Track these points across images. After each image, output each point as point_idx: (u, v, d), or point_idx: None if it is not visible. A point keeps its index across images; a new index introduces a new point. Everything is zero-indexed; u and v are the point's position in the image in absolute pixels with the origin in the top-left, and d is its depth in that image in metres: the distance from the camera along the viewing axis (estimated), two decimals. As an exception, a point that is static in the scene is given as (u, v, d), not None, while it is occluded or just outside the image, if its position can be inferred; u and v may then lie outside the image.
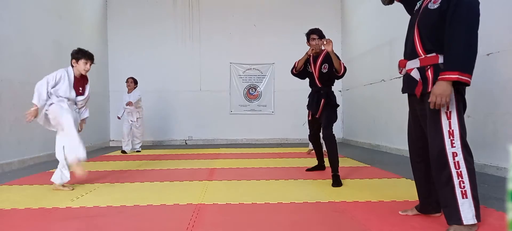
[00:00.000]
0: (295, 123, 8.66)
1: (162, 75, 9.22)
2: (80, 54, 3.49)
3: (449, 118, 1.99)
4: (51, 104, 3.45)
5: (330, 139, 3.65)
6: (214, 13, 9.43)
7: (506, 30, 3.90)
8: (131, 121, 6.91)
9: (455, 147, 1.97)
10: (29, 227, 2.30)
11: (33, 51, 5.66)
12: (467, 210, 1.97)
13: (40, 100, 3.42)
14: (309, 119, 4.07)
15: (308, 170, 4.34)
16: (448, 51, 1.94)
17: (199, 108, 9.38)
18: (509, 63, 3.88)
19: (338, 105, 3.89)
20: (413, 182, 3.62)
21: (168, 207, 2.74)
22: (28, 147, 5.40)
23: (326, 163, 4.04)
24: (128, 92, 6.92)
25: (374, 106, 7.45)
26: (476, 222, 1.99)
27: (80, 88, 3.56)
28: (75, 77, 3.51)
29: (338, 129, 9.68)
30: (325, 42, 3.57)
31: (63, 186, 3.43)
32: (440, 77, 1.93)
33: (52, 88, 3.43)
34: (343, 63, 3.69)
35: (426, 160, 2.19)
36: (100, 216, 2.53)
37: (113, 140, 8.96)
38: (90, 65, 3.55)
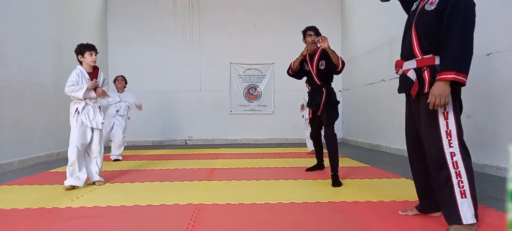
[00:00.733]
0: (295, 123, 8.65)
1: (162, 75, 9.22)
2: (83, 48, 3.57)
3: (446, 118, 2.00)
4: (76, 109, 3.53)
5: (331, 137, 3.65)
6: (214, 13, 9.43)
7: (506, 30, 3.90)
8: (120, 116, 5.85)
9: (453, 146, 1.99)
10: (29, 227, 2.30)
11: (33, 51, 5.66)
12: (466, 210, 1.97)
13: (79, 90, 3.48)
14: (310, 117, 4.08)
15: (308, 169, 4.34)
16: (445, 52, 1.96)
17: (199, 108, 9.38)
18: (509, 63, 3.88)
19: (339, 102, 3.88)
20: (413, 182, 3.63)
21: (168, 207, 2.74)
22: (28, 147, 5.41)
23: (326, 162, 4.03)
24: (119, 91, 5.94)
25: (374, 106, 7.45)
26: (475, 221, 1.99)
27: (96, 80, 3.61)
28: (88, 73, 3.58)
29: (338, 129, 9.68)
30: (320, 40, 3.57)
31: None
32: (437, 77, 1.95)
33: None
34: (341, 58, 3.68)
35: (425, 159, 2.19)
36: (100, 216, 2.53)
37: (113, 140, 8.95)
38: (96, 55, 3.61)
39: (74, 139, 3.44)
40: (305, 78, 4.22)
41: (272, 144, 8.94)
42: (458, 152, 1.98)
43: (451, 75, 1.90)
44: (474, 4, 1.98)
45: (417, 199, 2.84)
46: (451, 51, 1.92)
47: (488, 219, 2.29)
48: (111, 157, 5.75)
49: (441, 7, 1.99)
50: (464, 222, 1.97)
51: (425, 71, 2.06)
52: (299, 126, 8.28)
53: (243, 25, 9.44)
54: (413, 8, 2.25)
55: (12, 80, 5.09)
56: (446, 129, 2.00)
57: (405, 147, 5.40)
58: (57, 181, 3.84)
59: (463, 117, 4.97)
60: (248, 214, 2.54)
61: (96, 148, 3.62)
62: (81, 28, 7.56)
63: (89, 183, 3.63)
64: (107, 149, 6.13)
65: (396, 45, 6.43)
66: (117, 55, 9.15)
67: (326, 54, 3.67)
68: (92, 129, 3.58)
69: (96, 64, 3.69)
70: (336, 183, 3.47)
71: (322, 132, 3.93)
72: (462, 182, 1.97)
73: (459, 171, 1.98)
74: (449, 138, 1.99)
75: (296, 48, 7.13)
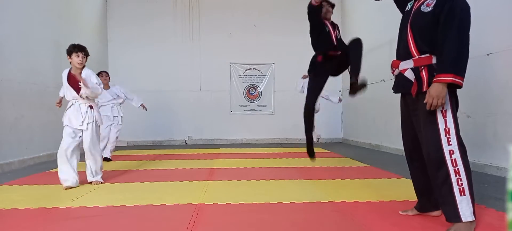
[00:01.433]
0: (295, 123, 8.65)
1: (162, 75, 9.22)
2: (71, 48, 3.50)
3: (444, 117, 2.03)
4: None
5: (358, 43, 4.08)
6: (214, 13, 9.43)
7: (506, 30, 3.90)
8: (114, 116, 5.78)
9: (451, 144, 2.01)
10: (29, 227, 2.30)
11: (33, 51, 5.66)
12: (465, 208, 1.98)
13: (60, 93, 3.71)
14: (317, 78, 4.23)
15: (311, 155, 4.51)
16: (442, 54, 1.98)
17: (199, 108, 9.38)
18: (509, 63, 3.87)
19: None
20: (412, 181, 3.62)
21: (168, 207, 2.74)
22: (28, 147, 5.41)
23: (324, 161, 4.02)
24: (105, 88, 5.40)
25: (374, 106, 7.45)
26: (474, 219, 2.00)
27: (79, 83, 3.50)
28: (70, 74, 3.52)
29: (338, 129, 9.69)
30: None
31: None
32: (435, 79, 1.97)
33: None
34: None
35: (422, 158, 2.21)
36: (100, 216, 2.53)
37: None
38: (83, 57, 3.49)
39: (62, 140, 3.52)
40: (300, 81, 4.38)
41: (272, 144, 8.94)
42: (457, 150, 2.00)
43: (449, 78, 1.93)
44: (469, 8, 2.01)
45: (416, 199, 2.84)
46: (448, 54, 1.95)
47: (488, 219, 2.29)
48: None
49: (438, 10, 2.01)
50: (464, 219, 1.98)
51: (423, 71, 2.09)
52: (299, 126, 8.29)
53: (243, 25, 9.44)
54: (407, 8, 2.28)
55: (12, 80, 5.09)
56: (444, 127, 2.02)
57: (405, 147, 5.26)
58: (57, 181, 3.83)
59: (463, 117, 4.99)
60: (248, 214, 2.54)
61: (86, 149, 3.57)
62: (81, 28, 7.56)
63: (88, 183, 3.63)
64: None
65: (396, 45, 6.43)
66: (117, 55, 9.15)
67: (336, 25, 4.35)
68: (82, 130, 3.54)
69: (96, 64, 3.65)
70: (358, 87, 3.77)
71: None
72: (461, 180, 1.98)
73: (458, 169, 1.99)
74: (447, 136, 2.01)
75: (296, 48, 7.18)
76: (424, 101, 2.00)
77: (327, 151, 6.89)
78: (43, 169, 4.85)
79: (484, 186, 3.41)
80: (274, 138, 9.52)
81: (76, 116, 3.51)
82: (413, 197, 2.90)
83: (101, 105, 5.43)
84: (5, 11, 5.03)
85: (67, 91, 3.54)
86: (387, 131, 6.86)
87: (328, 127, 9.23)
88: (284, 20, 9.36)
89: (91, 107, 3.60)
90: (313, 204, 2.77)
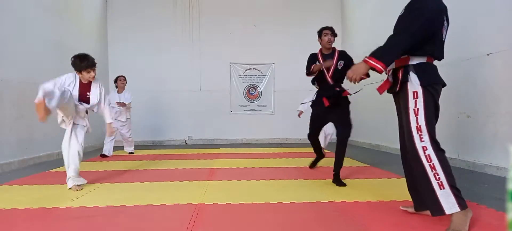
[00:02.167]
0: (295, 123, 8.65)
1: (162, 75, 9.22)
2: (83, 66, 3.42)
3: (416, 115, 2.11)
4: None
5: (346, 139, 3.74)
6: (214, 13, 9.43)
7: (506, 30, 3.90)
8: (121, 121, 6.47)
9: (424, 141, 2.09)
10: (29, 227, 2.30)
11: (33, 51, 5.66)
12: (446, 200, 2.02)
13: (44, 94, 3.33)
14: (315, 114, 3.97)
15: (311, 165, 4.47)
16: (383, 44, 2.16)
17: (199, 108, 9.38)
18: (509, 63, 3.88)
19: (350, 103, 3.88)
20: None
21: (168, 207, 2.74)
22: (28, 147, 5.41)
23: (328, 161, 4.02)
24: (119, 92, 6.51)
25: (374, 106, 7.45)
26: (459, 209, 2.02)
27: (87, 93, 3.51)
28: (81, 83, 3.52)
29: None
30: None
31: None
32: (364, 58, 2.16)
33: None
34: None
35: None
36: (100, 216, 2.53)
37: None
38: (94, 72, 3.49)
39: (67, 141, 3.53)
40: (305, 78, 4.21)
41: (272, 144, 8.94)
42: (430, 146, 2.08)
43: (371, 61, 2.11)
44: (428, 10, 2.10)
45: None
46: (385, 43, 2.14)
47: (488, 219, 2.29)
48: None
49: (406, 13, 2.19)
50: (447, 211, 2.03)
51: (400, 71, 2.20)
52: (299, 126, 8.29)
53: (243, 25, 9.44)
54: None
55: (12, 80, 5.09)
56: (416, 125, 2.10)
57: (405, 147, 5.22)
58: (57, 181, 3.84)
59: (463, 117, 5.00)
60: (248, 214, 2.54)
61: (73, 148, 3.49)
62: (81, 28, 7.56)
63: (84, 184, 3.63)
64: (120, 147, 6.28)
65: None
66: (117, 55, 9.15)
67: (345, 56, 3.74)
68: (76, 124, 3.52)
69: (96, 64, 3.61)
70: (340, 182, 3.54)
71: (324, 134, 3.92)
72: (438, 174, 2.04)
73: (433, 164, 2.05)
74: (419, 133, 2.09)
75: (296, 48, 7.18)
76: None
77: (327, 151, 6.89)
78: (43, 169, 4.85)
79: (484, 186, 3.41)
80: (274, 138, 9.52)
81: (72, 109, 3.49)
82: (413, 197, 2.91)
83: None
84: (5, 11, 5.03)
85: (72, 90, 3.45)
86: (387, 131, 6.86)
87: (328, 126, 9.22)
88: (284, 20, 9.36)
89: (86, 112, 3.63)
90: (313, 204, 2.77)
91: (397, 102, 2.41)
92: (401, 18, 2.23)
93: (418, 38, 2.07)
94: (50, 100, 3.23)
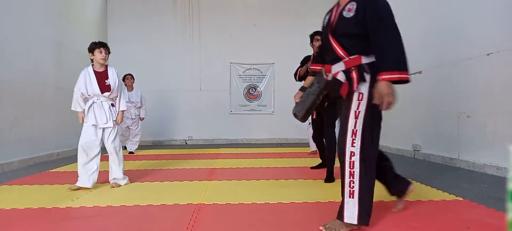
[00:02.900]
0: (295, 123, 8.66)
1: (162, 75, 9.21)
2: (93, 45, 3.51)
3: (356, 117, 2.04)
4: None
5: (331, 139, 3.72)
6: (214, 13, 9.43)
7: (506, 30, 3.90)
8: (132, 119, 6.73)
9: (354, 146, 2.02)
10: (29, 227, 2.30)
11: (33, 51, 5.66)
12: (350, 209, 2.02)
13: (76, 106, 3.51)
14: (314, 118, 4.07)
15: (313, 167, 4.43)
16: (381, 55, 1.98)
17: (199, 108, 9.38)
18: (509, 63, 3.87)
19: None
20: (413, 182, 3.62)
21: (168, 207, 2.73)
22: (28, 147, 5.41)
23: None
24: (128, 90, 6.75)
25: (374, 106, 7.45)
26: (357, 223, 2.02)
27: (106, 81, 3.48)
28: (95, 71, 3.49)
29: (338, 129, 9.66)
30: None
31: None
32: (381, 77, 1.94)
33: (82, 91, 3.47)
34: None
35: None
36: (100, 216, 2.52)
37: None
38: (105, 53, 3.51)
39: (80, 138, 3.44)
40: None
41: (272, 144, 8.94)
42: (358, 153, 2.01)
43: (394, 75, 1.91)
44: (388, 4, 2.05)
45: (417, 199, 2.85)
46: (387, 53, 1.96)
47: (488, 219, 2.29)
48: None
49: (360, 15, 2.03)
50: (346, 220, 2.03)
51: (353, 71, 2.09)
52: (299, 126, 8.29)
53: (243, 25, 9.43)
54: (326, 19, 2.31)
55: (12, 80, 5.09)
56: (353, 128, 2.04)
57: (404, 147, 5.42)
58: (57, 181, 3.84)
59: (463, 117, 4.99)
60: (248, 214, 2.54)
61: (109, 148, 3.53)
62: (81, 28, 7.56)
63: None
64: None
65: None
66: (117, 55, 9.05)
67: None
68: (103, 129, 3.50)
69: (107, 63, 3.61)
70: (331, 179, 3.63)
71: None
72: (353, 183, 2.02)
73: (353, 172, 2.02)
74: (353, 137, 2.03)
75: (296, 48, 7.13)
76: (373, 102, 1.98)
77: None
78: (43, 169, 4.85)
79: (484, 186, 3.41)
80: (274, 138, 9.52)
81: (100, 115, 3.45)
82: (413, 196, 2.91)
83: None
84: (5, 11, 5.03)
85: (89, 88, 3.44)
86: (387, 131, 6.85)
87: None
88: (284, 20, 9.36)
89: (113, 105, 3.58)
90: (313, 204, 2.77)
91: (339, 101, 2.32)
92: (355, 19, 2.06)
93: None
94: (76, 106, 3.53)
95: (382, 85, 1.92)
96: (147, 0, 9.33)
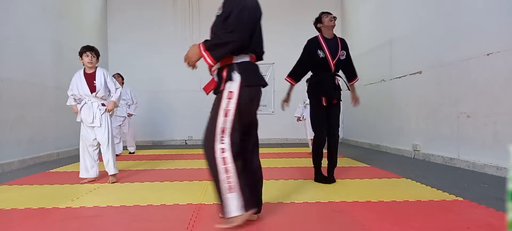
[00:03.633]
0: (295, 123, 8.66)
1: (162, 75, 9.22)
2: (82, 50, 3.77)
3: (225, 115, 2.11)
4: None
5: (338, 140, 3.71)
6: (214, 12, 9.30)
7: (506, 30, 3.90)
8: (124, 117, 6.55)
9: (224, 143, 2.09)
10: (29, 227, 2.30)
11: (33, 51, 5.66)
12: (232, 204, 2.07)
13: (71, 102, 3.88)
14: (324, 105, 3.58)
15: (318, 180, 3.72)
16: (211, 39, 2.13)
17: (199, 108, 9.37)
18: (509, 63, 3.88)
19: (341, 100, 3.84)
20: (413, 182, 3.63)
21: (168, 207, 2.74)
22: (28, 147, 5.41)
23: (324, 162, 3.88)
24: None
25: (374, 106, 7.45)
26: (240, 213, 2.08)
27: (94, 82, 3.74)
28: (86, 73, 3.77)
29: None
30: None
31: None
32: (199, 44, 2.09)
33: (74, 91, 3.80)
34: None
35: (244, 156, 2.23)
36: (100, 216, 2.53)
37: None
38: (93, 57, 3.74)
39: (81, 135, 3.76)
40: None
41: (272, 144, 8.94)
42: (228, 149, 2.08)
43: (206, 51, 2.06)
44: (247, 7, 2.11)
45: (416, 199, 2.85)
46: (216, 36, 2.08)
47: (488, 219, 2.29)
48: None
49: (227, 12, 2.12)
50: (232, 214, 2.08)
51: (224, 70, 2.17)
52: (299, 126, 8.29)
53: (243, 25, 9.43)
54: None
55: (12, 80, 5.09)
56: (221, 126, 2.11)
57: (404, 147, 5.44)
58: (57, 181, 3.84)
59: (463, 117, 4.99)
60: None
61: (102, 143, 3.80)
62: (81, 28, 7.56)
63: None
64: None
65: (396, 45, 6.45)
66: (117, 55, 9.15)
67: (346, 47, 3.69)
68: (95, 127, 3.78)
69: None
70: (333, 180, 3.60)
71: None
72: (229, 178, 2.07)
73: (227, 168, 2.07)
74: (222, 135, 2.10)
75: (296, 48, 7.10)
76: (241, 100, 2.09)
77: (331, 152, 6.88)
78: (43, 169, 4.85)
79: (484, 186, 3.41)
80: (274, 138, 9.52)
81: (88, 114, 3.73)
82: (412, 196, 2.91)
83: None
84: (5, 11, 5.03)
85: (80, 89, 3.73)
86: (387, 131, 6.86)
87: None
88: (284, 20, 9.36)
89: (103, 104, 3.81)
90: (313, 204, 2.77)
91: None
92: (220, 17, 2.16)
93: (248, 36, 2.10)
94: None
95: (194, 46, 2.12)
96: (147, 0, 9.33)
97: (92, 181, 3.81)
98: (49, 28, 6.17)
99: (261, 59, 2.39)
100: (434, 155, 5.19)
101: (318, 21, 3.78)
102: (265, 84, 2.26)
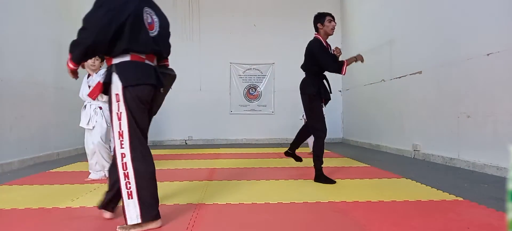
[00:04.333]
0: (295, 123, 8.66)
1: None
2: None
3: (119, 119, 2.04)
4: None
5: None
6: (214, 12, 9.43)
7: (506, 30, 3.90)
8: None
9: (123, 148, 2.04)
10: (29, 227, 2.30)
11: (33, 51, 5.66)
12: (132, 210, 2.05)
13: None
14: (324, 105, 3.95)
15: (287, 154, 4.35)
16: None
17: (199, 108, 9.38)
18: (509, 63, 3.88)
19: None
20: (413, 182, 3.63)
21: (168, 207, 2.74)
22: (28, 147, 5.40)
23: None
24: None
25: (374, 106, 7.45)
26: (140, 221, 2.06)
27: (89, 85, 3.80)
28: (89, 75, 3.83)
29: (338, 129, 9.69)
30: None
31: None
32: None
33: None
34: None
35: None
36: (100, 216, 2.52)
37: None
38: (96, 59, 3.70)
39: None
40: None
41: (272, 144, 8.94)
42: (129, 154, 2.03)
43: (69, 58, 2.06)
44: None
45: (416, 199, 2.85)
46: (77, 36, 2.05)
47: (488, 219, 2.29)
48: None
49: (94, 5, 2.08)
50: (129, 222, 2.06)
51: (108, 72, 2.13)
52: (299, 126, 8.29)
53: (243, 25, 9.44)
54: None
55: (12, 80, 5.09)
56: (119, 130, 2.04)
57: (404, 147, 5.43)
58: (57, 181, 3.84)
59: (463, 117, 4.99)
60: (248, 214, 2.54)
61: (94, 146, 3.79)
62: (81, 28, 7.55)
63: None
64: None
65: (396, 45, 6.45)
66: (117, 55, 9.14)
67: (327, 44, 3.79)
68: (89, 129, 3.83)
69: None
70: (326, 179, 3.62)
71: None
72: (129, 184, 2.04)
73: (127, 173, 2.04)
74: (121, 139, 2.04)
75: (296, 48, 7.15)
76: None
77: (327, 151, 6.88)
78: (43, 169, 4.85)
79: (484, 186, 3.41)
80: (274, 138, 9.52)
81: (85, 116, 3.76)
82: (412, 196, 2.91)
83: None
84: (5, 11, 5.03)
85: (83, 91, 3.80)
86: (387, 131, 6.86)
87: (328, 127, 9.22)
88: (284, 20, 9.37)
89: (100, 108, 3.80)
90: (313, 204, 2.77)
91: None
92: (90, 15, 2.05)
93: (106, 35, 1.96)
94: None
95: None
96: (147, 0, 9.32)
97: (96, 181, 3.82)
98: (49, 28, 6.17)
99: (162, 57, 2.29)
100: (434, 155, 5.19)
101: (319, 21, 3.81)
102: (155, 83, 2.10)
